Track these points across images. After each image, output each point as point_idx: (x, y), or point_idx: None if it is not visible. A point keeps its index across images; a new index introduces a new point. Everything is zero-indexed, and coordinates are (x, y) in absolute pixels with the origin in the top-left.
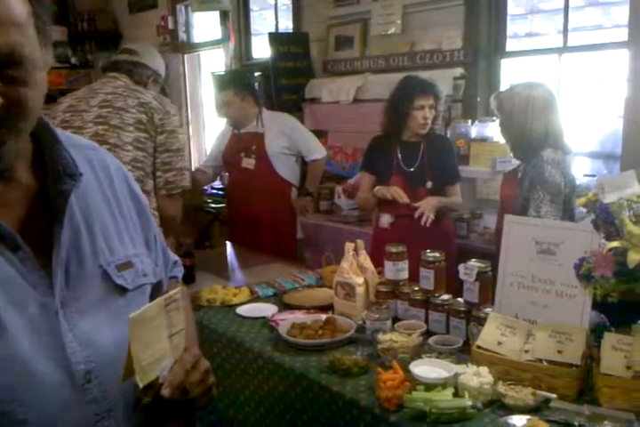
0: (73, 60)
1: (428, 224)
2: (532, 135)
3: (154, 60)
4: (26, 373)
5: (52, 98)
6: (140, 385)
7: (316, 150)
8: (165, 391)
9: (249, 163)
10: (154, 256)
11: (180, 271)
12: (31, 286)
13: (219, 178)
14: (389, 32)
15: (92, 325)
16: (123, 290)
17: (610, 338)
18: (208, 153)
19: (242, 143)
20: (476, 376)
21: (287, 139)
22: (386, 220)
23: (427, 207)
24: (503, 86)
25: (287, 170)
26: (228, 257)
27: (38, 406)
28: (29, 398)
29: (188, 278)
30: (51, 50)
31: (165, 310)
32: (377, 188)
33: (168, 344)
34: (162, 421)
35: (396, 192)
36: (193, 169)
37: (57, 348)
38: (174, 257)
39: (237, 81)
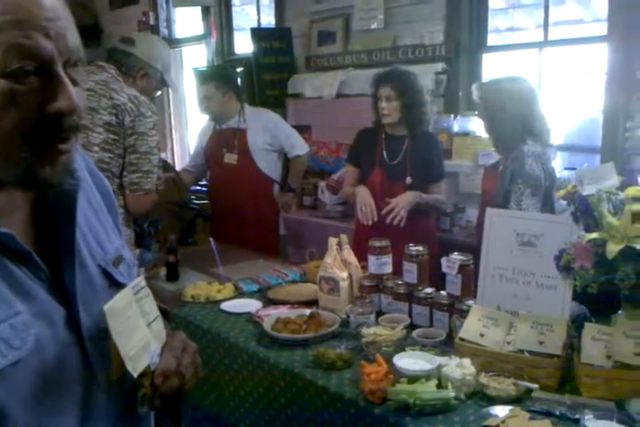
0: None
1: (400, 224)
2: (513, 129)
3: (149, 51)
4: (64, 388)
5: None
6: (135, 375)
7: (299, 146)
8: (159, 380)
9: (231, 158)
10: (122, 238)
11: None
12: (54, 299)
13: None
14: (372, 27)
15: (104, 329)
16: (121, 287)
17: (590, 328)
18: (191, 151)
19: (224, 138)
20: (459, 368)
21: (269, 135)
22: (358, 207)
23: (399, 203)
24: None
25: (269, 166)
26: (212, 253)
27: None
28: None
29: (173, 275)
30: None
31: (135, 298)
32: (358, 192)
33: (149, 332)
34: (162, 408)
35: (366, 211)
36: (178, 166)
37: (82, 362)
38: None
39: (219, 76)
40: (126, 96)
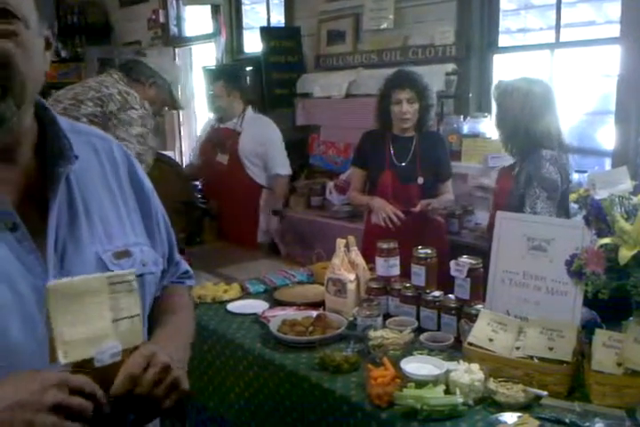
0: (63, 54)
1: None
2: (528, 132)
3: (159, 61)
4: (17, 354)
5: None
6: (62, 361)
7: (282, 165)
8: (116, 390)
9: (223, 158)
10: (159, 248)
11: (189, 280)
12: (25, 267)
13: None
14: (382, 27)
15: None
16: None
17: (601, 335)
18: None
19: (219, 137)
20: (467, 373)
21: (259, 147)
22: (379, 216)
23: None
24: (495, 82)
25: (258, 171)
26: (219, 253)
27: None
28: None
29: None
30: (47, 23)
31: (110, 289)
32: (375, 204)
33: (111, 327)
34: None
35: (389, 217)
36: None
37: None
38: (185, 266)
39: (227, 75)
40: (116, 90)
